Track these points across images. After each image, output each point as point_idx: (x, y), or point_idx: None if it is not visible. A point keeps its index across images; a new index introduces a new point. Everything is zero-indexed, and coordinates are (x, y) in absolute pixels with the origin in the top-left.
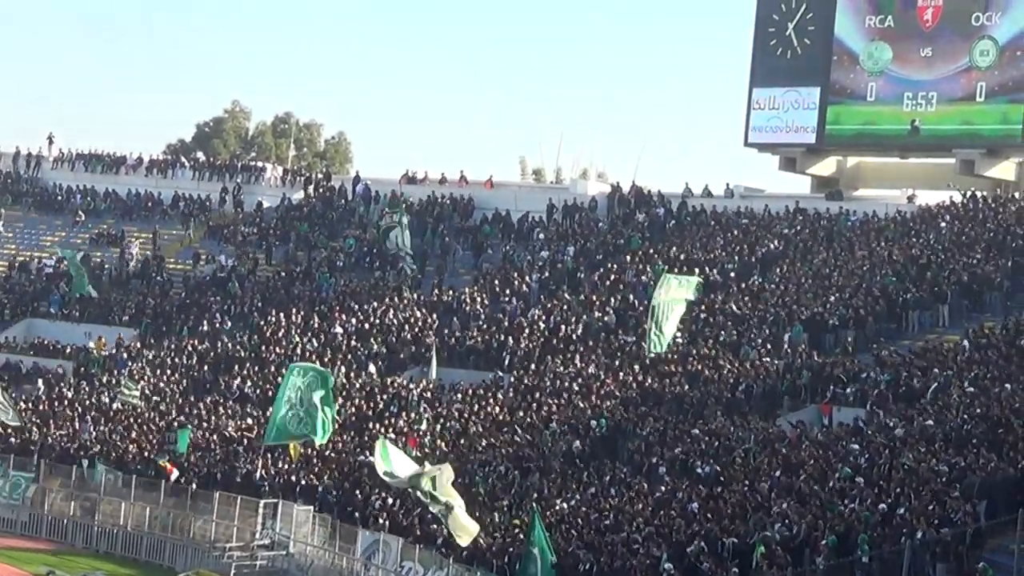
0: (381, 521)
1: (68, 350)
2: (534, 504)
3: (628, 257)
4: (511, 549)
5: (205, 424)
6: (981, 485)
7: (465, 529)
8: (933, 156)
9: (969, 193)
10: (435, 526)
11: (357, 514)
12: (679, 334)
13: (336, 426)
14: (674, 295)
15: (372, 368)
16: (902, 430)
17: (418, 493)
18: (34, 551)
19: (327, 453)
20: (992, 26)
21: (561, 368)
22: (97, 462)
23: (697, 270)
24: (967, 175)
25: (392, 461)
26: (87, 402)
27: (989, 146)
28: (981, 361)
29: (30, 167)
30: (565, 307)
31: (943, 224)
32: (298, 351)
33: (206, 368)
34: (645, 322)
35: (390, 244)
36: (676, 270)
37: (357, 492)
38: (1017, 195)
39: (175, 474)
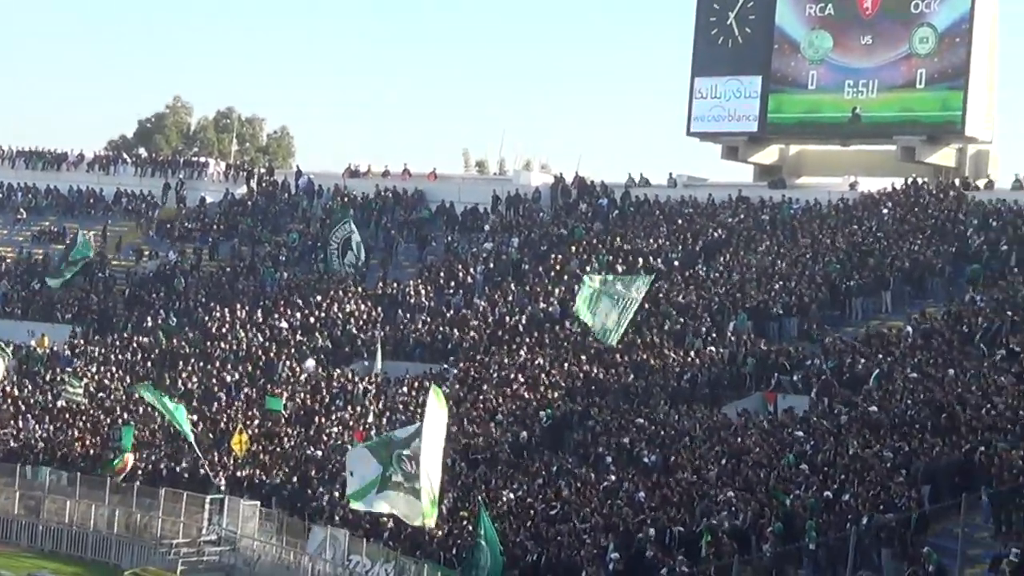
0: (329, 515)
1: (11, 348)
2: (480, 497)
3: (572, 247)
4: (458, 541)
5: (149, 421)
6: (925, 470)
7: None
8: (874, 143)
9: (911, 180)
10: (384, 518)
11: (305, 509)
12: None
13: (283, 421)
14: (623, 292)
15: (309, 362)
16: (846, 416)
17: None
18: None
19: (273, 448)
20: (931, 13)
21: (507, 359)
22: (41, 465)
23: (641, 259)
24: (908, 162)
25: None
26: (30, 400)
27: (930, 133)
28: (924, 347)
29: None
30: (510, 298)
31: (885, 211)
32: (243, 346)
33: (150, 364)
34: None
35: (349, 258)
36: (620, 262)
37: (307, 488)
38: (957, 181)
39: (130, 464)
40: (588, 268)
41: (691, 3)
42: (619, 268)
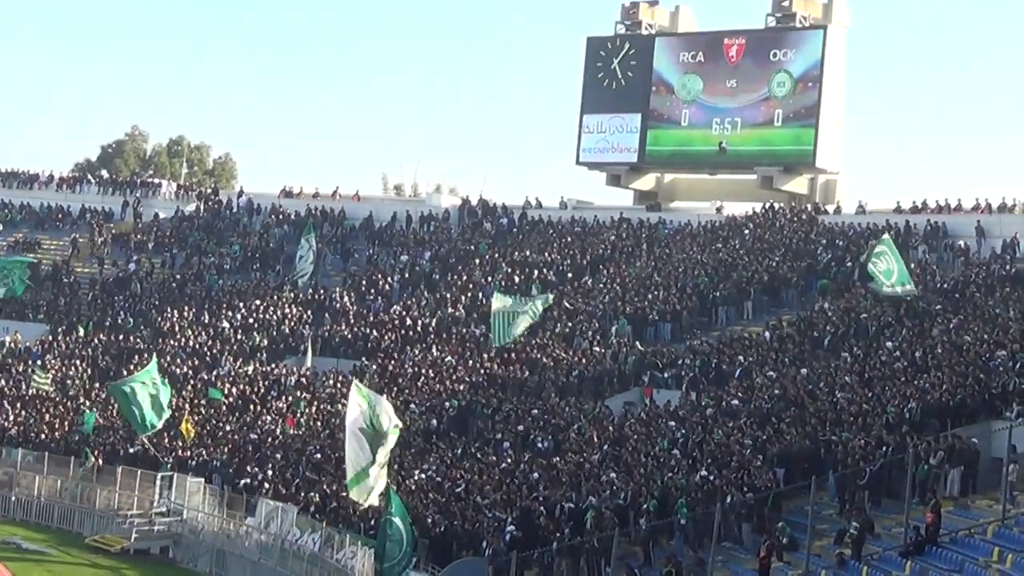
0: (262, 490)
1: None
2: (389, 479)
3: (477, 261)
4: (377, 514)
5: (108, 408)
6: (780, 455)
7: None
8: (738, 173)
9: (769, 205)
10: (311, 494)
11: (242, 484)
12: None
13: (224, 409)
14: (512, 307)
15: (308, 359)
16: (712, 409)
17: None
18: None
19: (219, 433)
20: (787, 61)
21: (419, 356)
22: (14, 447)
23: (536, 271)
24: (767, 189)
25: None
26: (4, 390)
27: (785, 164)
28: (780, 349)
29: None
30: (422, 304)
31: (747, 232)
32: (191, 343)
33: (109, 358)
34: (491, 323)
35: (301, 267)
36: (518, 273)
37: (244, 467)
38: (809, 207)
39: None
40: (488, 280)
41: (581, 50)
42: (516, 279)
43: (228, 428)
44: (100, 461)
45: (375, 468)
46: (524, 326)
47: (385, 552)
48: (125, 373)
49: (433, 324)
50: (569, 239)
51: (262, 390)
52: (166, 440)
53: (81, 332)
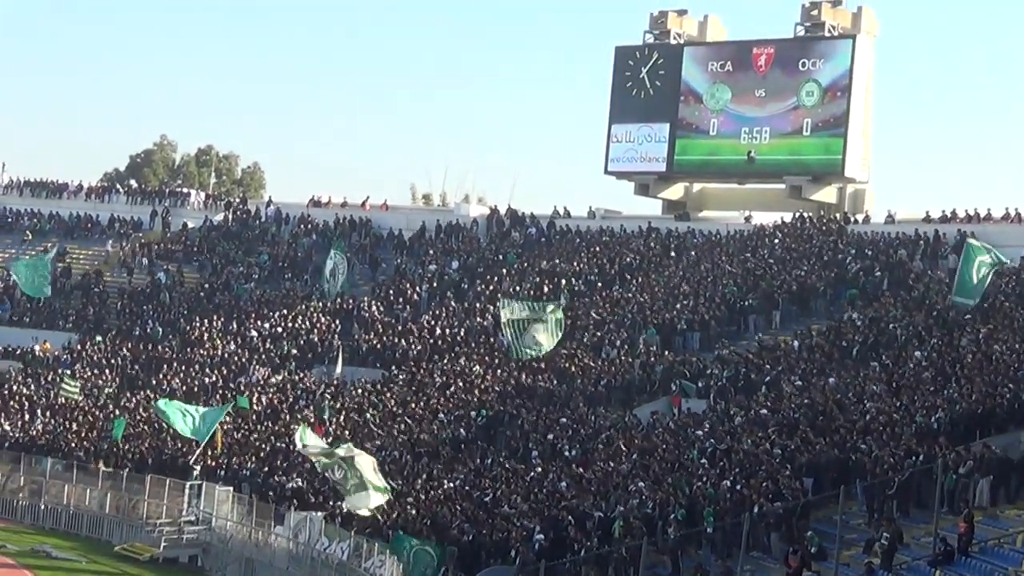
0: (291, 499)
1: (18, 351)
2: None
3: (504, 270)
4: (402, 521)
5: (138, 416)
6: (808, 465)
7: (366, 504)
8: (766, 182)
9: (798, 214)
10: (336, 503)
11: (271, 493)
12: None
13: (253, 418)
14: (526, 315)
15: (338, 367)
16: (741, 418)
17: (329, 467)
18: None
19: (246, 440)
20: (816, 71)
21: (447, 366)
22: (45, 457)
23: (563, 281)
24: (795, 199)
25: (308, 440)
26: (34, 398)
27: (814, 174)
28: (808, 359)
29: None
30: (451, 313)
31: (775, 241)
32: (219, 352)
33: (138, 367)
34: (504, 335)
35: (330, 280)
36: (547, 283)
37: (273, 476)
38: (838, 216)
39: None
40: (516, 289)
41: (609, 60)
42: (544, 288)
43: (256, 437)
44: (110, 468)
45: (355, 479)
46: (541, 336)
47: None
48: (154, 382)
49: (461, 334)
50: (597, 248)
51: (291, 399)
52: (195, 447)
53: (99, 340)
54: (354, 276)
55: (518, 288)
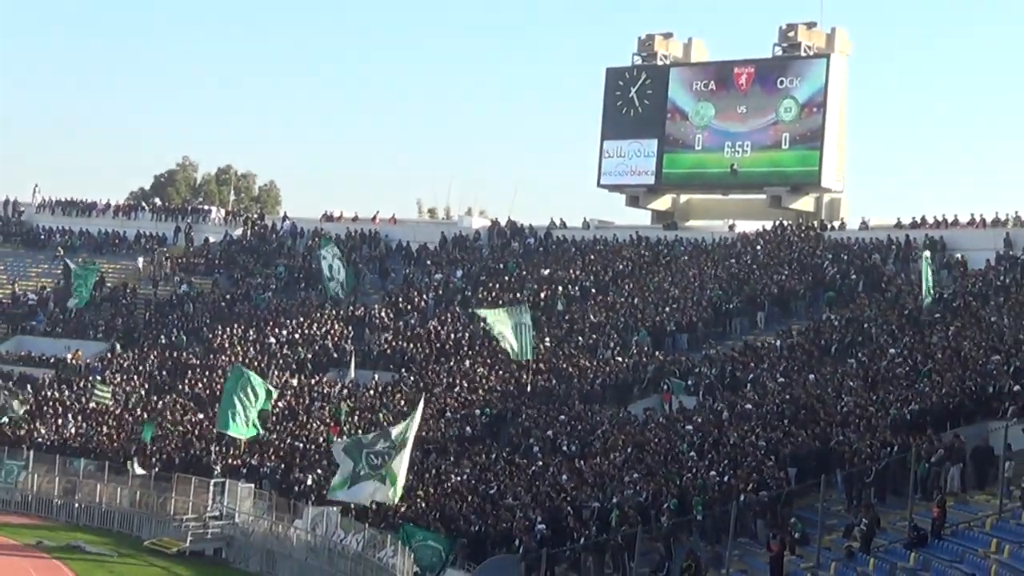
0: (309, 495)
1: (51, 360)
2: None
3: (506, 278)
4: (413, 514)
5: (165, 419)
6: (791, 455)
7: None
8: (748, 193)
9: (778, 223)
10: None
11: (290, 490)
12: (547, 340)
13: (273, 419)
14: (506, 319)
15: (351, 372)
16: (727, 413)
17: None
18: (26, 526)
19: (267, 440)
20: (793, 88)
21: (453, 368)
22: (78, 458)
23: (560, 287)
24: (776, 208)
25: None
26: (67, 403)
27: (793, 184)
28: (789, 357)
29: (15, 212)
30: (455, 319)
31: (758, 248)
32: (240, 358)
33: (165, 373)
34: (501, 341)
35: (332, 279)
36: (545, 289)
37: (291, 473)
38: (816, 224)
39: (139, 468)
40: (517, 296)
41: (600, 80)
42: (542, 295)
43: (276, 437)
44: (142, 470)
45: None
46: (525, 338)
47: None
48: (180, 387)
49: (466, 338)
50: (592, 257)
51: (307, 401)
52: (218, 448)
53: (118, 348)
54: (351, 277)
55: (518, 295)
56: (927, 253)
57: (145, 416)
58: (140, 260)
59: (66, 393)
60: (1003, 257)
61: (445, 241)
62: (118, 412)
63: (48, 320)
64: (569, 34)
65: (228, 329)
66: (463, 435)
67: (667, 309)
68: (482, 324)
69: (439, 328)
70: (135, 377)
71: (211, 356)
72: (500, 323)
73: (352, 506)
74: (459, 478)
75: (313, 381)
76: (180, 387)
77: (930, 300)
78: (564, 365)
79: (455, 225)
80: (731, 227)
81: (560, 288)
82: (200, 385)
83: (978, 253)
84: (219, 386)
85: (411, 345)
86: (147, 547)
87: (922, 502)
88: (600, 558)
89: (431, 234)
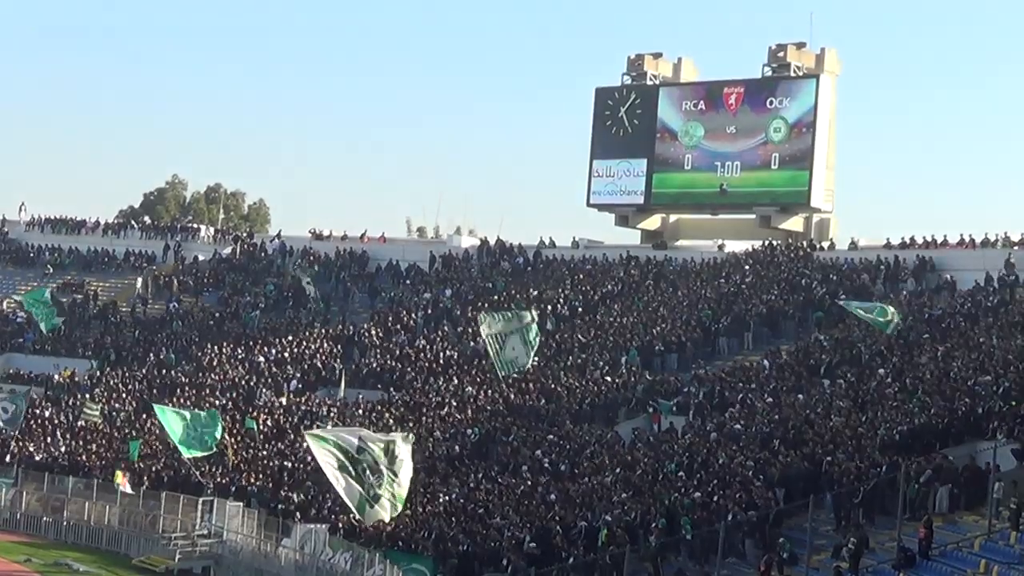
0: (296, 514)
1: (40, 378)
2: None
3: (495, 297)
4: (402, 533)
5: (153, 436)
6: (780, 476)
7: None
8: (738, 213)
9: (767, 242)
10: (344, 516)
11: (279, 508)
12: (535, 358)
13: (261, 437)
14: (502, 328)
15: (342, 390)
16: (716, 433)
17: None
18: (13, 543)
19: (255, 459)
20: (783, 108)
21: (442, 387)
22: (67, 476)
23: (550, 307)
24: (765, 228)
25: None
26: (56, 421)
27: (782, 204)
28: (778, 377)
29: (2, 230)
30: (445, 338)
31: (747, 268)
32: (229, 376)
33: (154, 391)
34: (488, 355)
35: (308, 292)
36: (535, 307)
37: (280, 491)
38: (805, 243)
39: (127, 487)
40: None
41: (590, 100)
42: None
43: (264, 456)
44: (129, 487)
45: (385, 484)
46: (519, 348)
47: None
48: (169, 405)
49: (455, 357)
50: (581, 276)
51: (295, 420)
52: (206, 467)
53: (105, 366)
54: (354, 304)
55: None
56: (854, 303)
57: (132, 434)
58: (138, 281)
59: (53, 411)
60: (991, 278)
61: (434, 260)
62: (107, 430)
63: (37, 338)
64: (559, 53)
65: (217, 347)
66: (452, 454)
67: (656, 329)
68: (482, 330)
69: (428, 347)
70: (123, 395)
71: (200, 374)
72: (497, 330)
73: (340, 524)
74: (448, 497)
75: (302, 400)
76: (169, 405)
77: (891, 328)
78: (552, 384)
79: (444, 244)
80: (720, 247)
81: (549, 308)
82: (189, 403)
83: (967, 273)
84: (208, 404)
85: (400, 364)
86: (135, 565)
87: (911, 522)
88: None
89: (420, 253)
